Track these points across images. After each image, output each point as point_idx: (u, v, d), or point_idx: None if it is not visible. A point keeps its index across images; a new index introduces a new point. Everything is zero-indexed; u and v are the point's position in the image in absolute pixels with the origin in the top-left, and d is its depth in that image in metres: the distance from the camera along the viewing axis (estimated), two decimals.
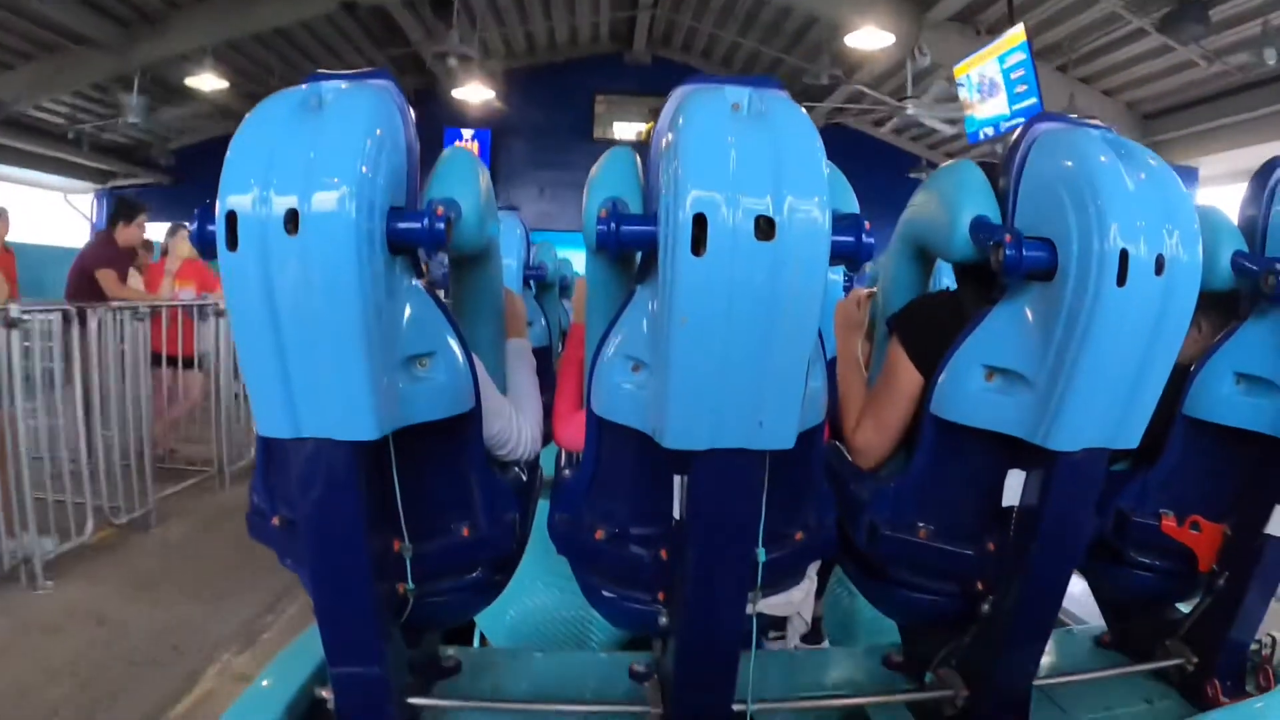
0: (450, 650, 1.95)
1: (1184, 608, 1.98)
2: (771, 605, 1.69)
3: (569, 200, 14.62)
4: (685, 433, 1.28)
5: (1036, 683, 1.70)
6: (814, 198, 1.15)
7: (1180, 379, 1.72)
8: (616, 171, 1.50)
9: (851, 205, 1.57)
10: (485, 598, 1.78)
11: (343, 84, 1.28)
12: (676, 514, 1.42)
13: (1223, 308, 1.73)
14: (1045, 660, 1.68)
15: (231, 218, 1.16)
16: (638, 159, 1.53)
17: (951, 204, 1.53)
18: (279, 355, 1.22)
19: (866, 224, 1.27)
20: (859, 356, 1.89)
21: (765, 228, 1.14)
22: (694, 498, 1.38)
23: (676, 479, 1.40)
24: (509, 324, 1.93)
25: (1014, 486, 1.52)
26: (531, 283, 3.79)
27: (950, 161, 1.64)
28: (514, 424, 1.68)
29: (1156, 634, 1.94)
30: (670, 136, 1.22)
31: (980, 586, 1.66)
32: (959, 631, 1.72)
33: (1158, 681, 1.90)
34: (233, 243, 1.16)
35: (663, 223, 1.19)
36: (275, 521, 1.56)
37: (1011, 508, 1.54)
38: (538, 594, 2.70)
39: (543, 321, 3.80)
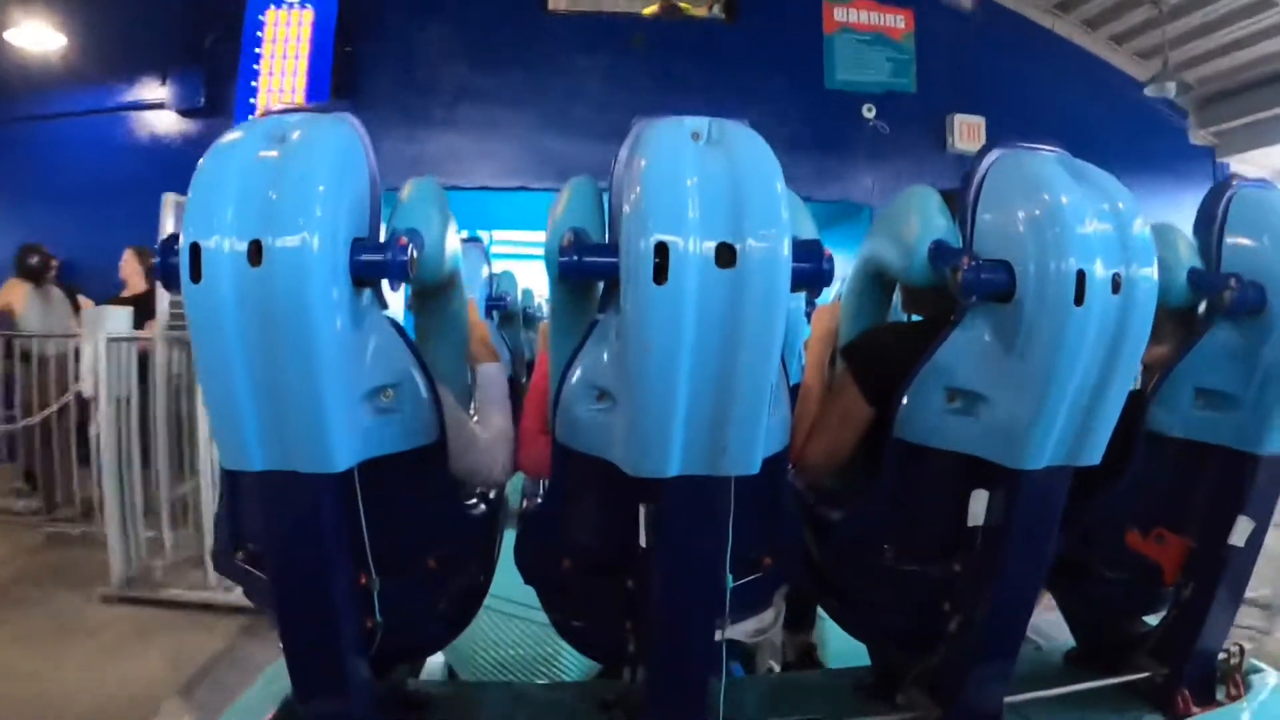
0: (419, 684, 1.93)
1: (1152, 620, 2.00)
2: (740, 631, 1.69)
3: (500, 132, 8.16)
4: (650, 460, 1.28)
5: (1008, 700, 1.71)
6: (774, 225, 1.17)
7: (1141, 394, 1.74)
8: (578, 201, 1.50)
9: (810, 231, 1.58)
10: (453, 630, 1.77)
11: (305, 117, 1.28)
12: (643, 542, 1.42)
13: (1182, 324, 1.75)
14: (1015, 678, 1.68)
15: (195, 250, 1.16)
16: (598, 189, 1.54)
17: (910, 228, 1.55)
18: (242, 388, 1.22)
19: (826, 251, 1.28)
20: (825, 368, 1.90)
21: (726, 255, 1.15)
22: (660, 526, 1.38)
23: (642, 507, 1.40)
24: (477, 349, 1.92)
25: (979, 506, 1.53)
26: (494, 314, 3.78)
27: (908, 189, 1.65)
28: (485, 453, 1.67)
29: (1125, 647, 1.95)
30: (630, 167, 1.23)
31: (948, 606, 1.66)
32: (928, 652, 1.72)
33: (1129, 694, 1.91)
34: (196, 275, 1.16)
35: (625, 252, 1.20)
36: (240, 555, 1.55)
37: (977, 527, 1.55)
38: (506, 625, 2.68)
39: (506, 353, 3.79)
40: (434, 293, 1.80)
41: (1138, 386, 1.76)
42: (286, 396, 1.22)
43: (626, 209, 1.21)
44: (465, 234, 3.70)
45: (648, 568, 1.43)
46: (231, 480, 1.51)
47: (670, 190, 1.17)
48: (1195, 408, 1.74)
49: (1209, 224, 1.74)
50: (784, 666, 2.66)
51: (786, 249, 1.17)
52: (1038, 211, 1.34)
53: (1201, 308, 1.72)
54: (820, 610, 2.82)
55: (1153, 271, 1.35)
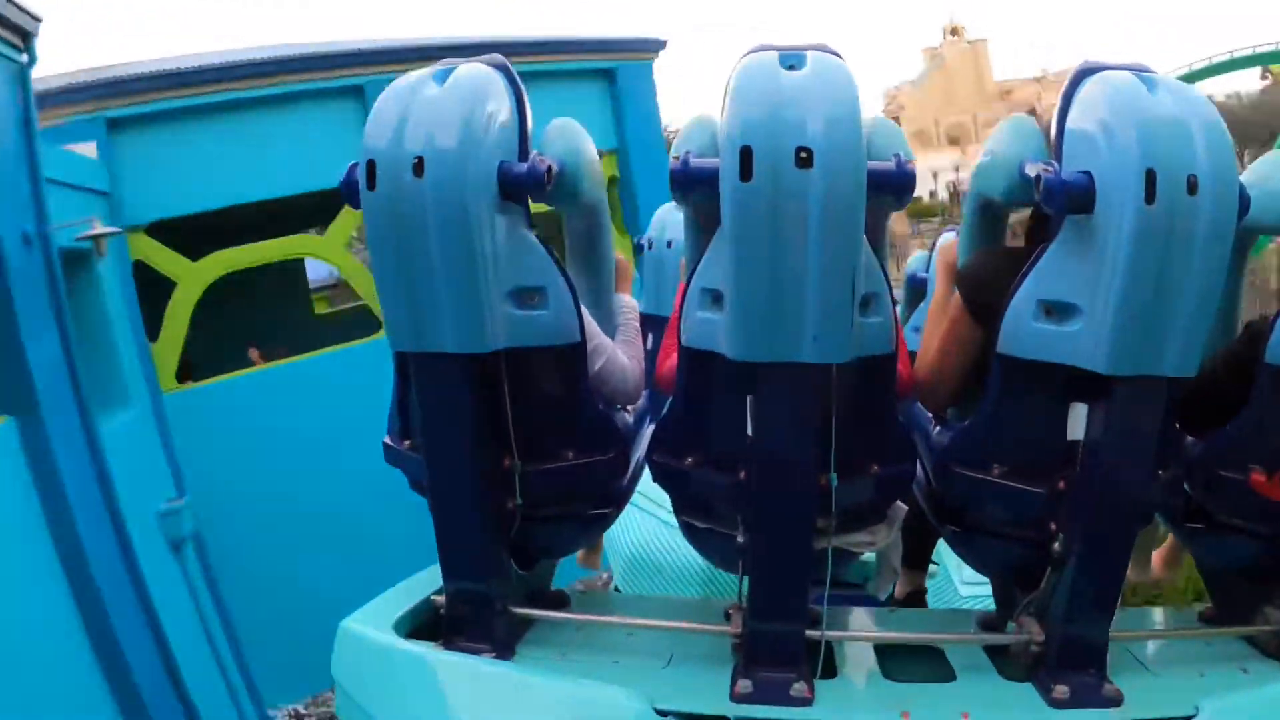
0: (563, 589, 2.12)
1: None
2: (853, 542, 1.80)
3: None
4: (745, 345, 1.46)
5: (1123, 638, 1.72)
6: (849, 131, 1.35)
7: (1260, 325, 1.71)
8: (694, 131, 1.67)
9: (907, 150, 1.69)
10: (593, 528, 1.95)
11: (468, 65, 1.58)
12: (749, 432, 1.57)
13: None
14: (1134, 620, 1.68)
15: (371, 164, 1.48)
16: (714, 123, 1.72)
17: (1006, 151, 1.64)
18: (405, 278, 1.52)
19: (909, 161, 1.42)
20: (947, 298, 1.97)
21: (804, 157, 1.34)
22: (759, 414, 1.53)
23: (749, 398, 1.55)
24: (617, 282, 2.13)
25: (1078, 419, 1.59)
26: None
27: (1006, 118, 1.74)
28: (617, 363, 1.86)
29: (1255, 598, 1.88)
30: (727, 90, 1.44)
31: (1054, 528, 1.68)
32: (1038, 579, 1.75)
33: (1252, 648, 1.85)
34: (371, 183, 1.48)
35: (720, 158, 1.40)
36: (406, 444, 1.81)
37: (1077, 442, 1.59)
38: (672, 542, 2.78)
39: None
40: (580, 219, 2.04)
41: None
42: (438, 285, 1.51)
43: (720, 123, 1.42)
44: None
45: (752, 458, 1.59)
46: (400, 372, 1.74)
47: (755, 101, 1.38)
48: None
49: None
50: (891, 602, 2.67)
51: (860, 152, 1.33)
52: (1111, 117, 1.42)
53: None
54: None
55: (1232, 177, 1.39)
